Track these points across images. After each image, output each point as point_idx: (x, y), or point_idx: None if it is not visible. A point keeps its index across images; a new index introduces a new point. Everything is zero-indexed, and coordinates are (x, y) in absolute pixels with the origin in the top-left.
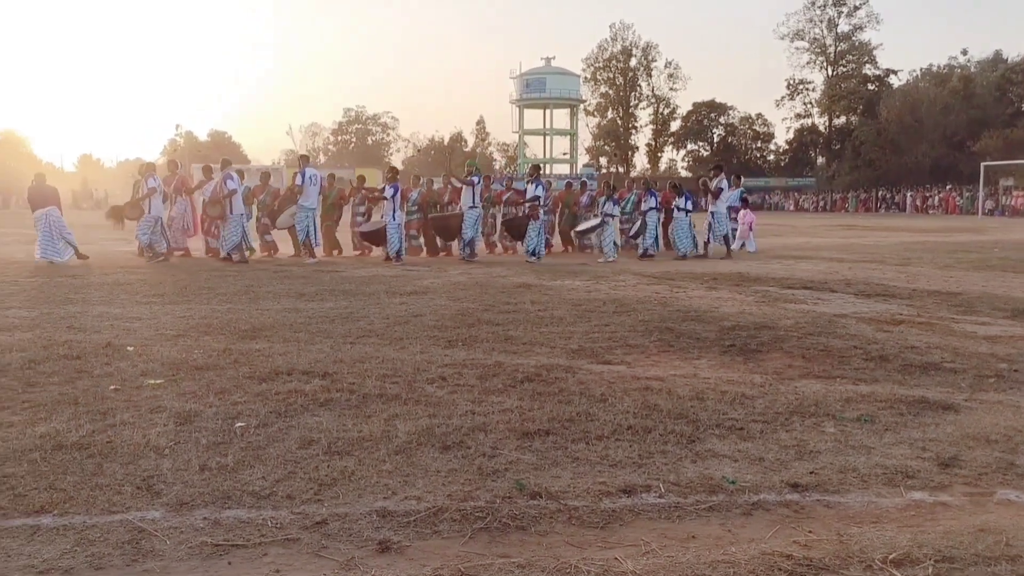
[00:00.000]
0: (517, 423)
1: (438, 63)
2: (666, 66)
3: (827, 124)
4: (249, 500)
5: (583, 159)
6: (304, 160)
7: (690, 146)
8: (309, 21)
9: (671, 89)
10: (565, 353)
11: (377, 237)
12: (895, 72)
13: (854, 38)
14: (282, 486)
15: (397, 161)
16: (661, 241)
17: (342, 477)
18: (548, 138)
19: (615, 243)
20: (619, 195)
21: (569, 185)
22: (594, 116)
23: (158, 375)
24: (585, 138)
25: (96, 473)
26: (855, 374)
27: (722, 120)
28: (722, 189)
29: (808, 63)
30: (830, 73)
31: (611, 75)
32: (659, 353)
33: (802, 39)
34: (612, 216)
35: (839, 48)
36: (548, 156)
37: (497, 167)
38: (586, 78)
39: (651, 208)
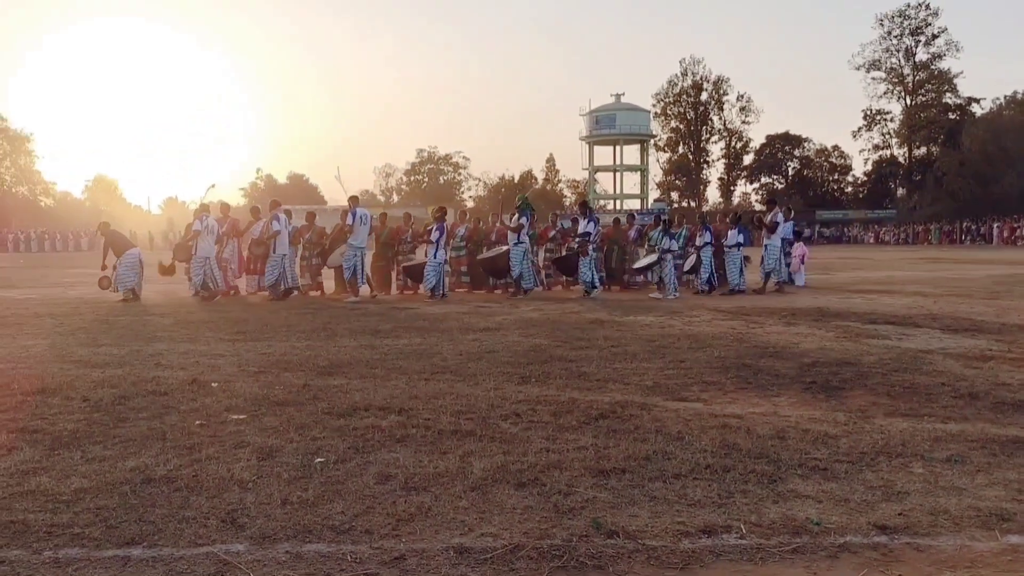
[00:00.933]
0: (592, 461)
1: (509, 102)
2: (738, 99)
3: (907, 155)
4: (329, 534)
5: (654, 194)
6: (354, 201)
7: (764, 179)
8: (382, 64)
9: (743, 122)
10: (640, 390)
11: (418, 272)
12: (977, 100)
13: (933, 67)
14: (361, 521)
15: (468, 200)
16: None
17: (419, 513)
18: (618, 174)
19: (675, 279)
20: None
21: (617, 222)
22: (665, 151)
23: (241, 410)
24: (656, 173)
25: (183, 506)
26: (943, 412)
27: (796, 153)
28: (777, 223)
29: (885, 93)
30: (909, 103)
31: (682, 110)
32: (737, 390)
33: (879, 69)
34: (670, 252)
35: (917, 77)
36: (618, 192)
37: (567, 204)
38: (656, 113)
39: (706, 244)
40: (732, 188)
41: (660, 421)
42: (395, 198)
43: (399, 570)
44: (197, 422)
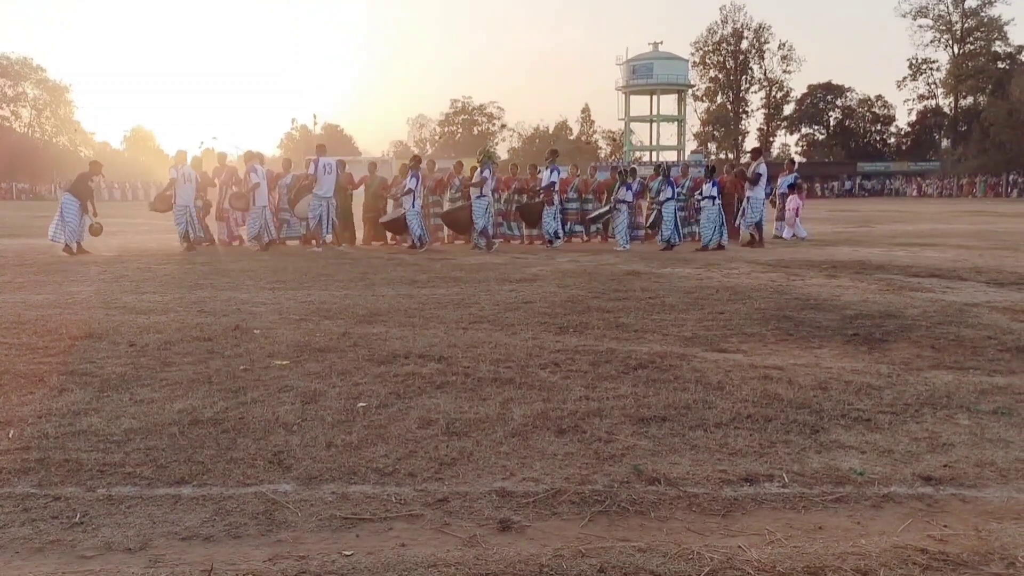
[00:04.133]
0: (632, 409)
1: (544, 51)
2: (779, 48)
3: (953, 105)
4: (374, 476)
5: (691, 145)
6: (321, 149)
7: (804, 130)
8: (417, 13)
9: (784, 72)
10: (678, 341)
11: (397, 226)
12: None
13: (982, 14)
14: (404, 464)
15: (503, 151)
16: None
17: (461, 457)
18: (655, 125)
19: (628, 231)
20: (676, 180)
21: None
22: (703, 101)
23: (284, 356)
24: (693, 124)
25: (231, 447)
26: (989, 365)
27: (839, 103)
28: (760, 175)
29: (932, 41)
30: (956, 52)
31: (721, 59)
32: (777, 342)
33: (926, 16)
34: (625, 202)
35: (966, 25)
36: (655, 143)
37: (602, 155)
38: (695, 63)
39: (668, 199)
40: (771, 139)
41: (700, 371)
42: (429, 149)
43: (443, 512)
44: (241, 367)
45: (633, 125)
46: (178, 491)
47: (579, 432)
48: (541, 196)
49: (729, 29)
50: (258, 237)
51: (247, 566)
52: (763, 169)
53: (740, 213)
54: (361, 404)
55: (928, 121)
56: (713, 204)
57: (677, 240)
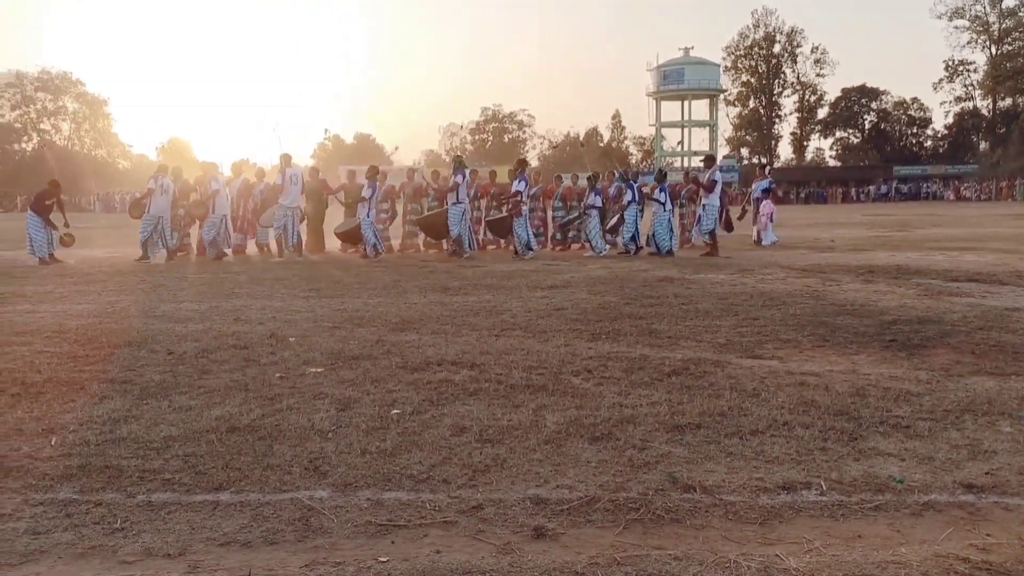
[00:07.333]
0: (666, 416)
1: (574, 58)
2: (812, 51)
3: (991, 107)
4: (408, 483)
5: (723, 150)
6: (286, 159)
7: (839, 134)
8: (447, 22)
9: (818, 75)
10: (712, 347)
11: (352, 236)
12: None
13: (1021, 13)
14: (438, 471)
15: (532, 158)
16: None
17: (495, 464)
18: (686, 130)
19: (601, 237)
20: (673, 188)
21: (559, 179)
22: (735, 106)
23: (318, 364)
24: (725, 129)
25: (267, 454)
26: None
27: (873, 106)
28: (715, 181)
29: (969, 43)
30: (994, 52)
31: (753, 63)
32: (813, 348)
33: (962, 17)
34: (594, 207)
35: (1004, 25)
36: (686, 148)
37: (633, 161)
38: (726, 67)
39: (630, 202)
40: (805, 143)
41: (735, 378)
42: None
43: (477, 519)
44: (277, 374)
45: (664, 131)
46: (216, 497)
47: (613, 439)
48: (508, 208)
49: (761, 33)
50: (212, 244)
51: (284, 572)
52: (718, 176)
53: (696, 220)
54: (395, 411)
55: (966, 123)
56: (665, 211)
57: (635, 246)
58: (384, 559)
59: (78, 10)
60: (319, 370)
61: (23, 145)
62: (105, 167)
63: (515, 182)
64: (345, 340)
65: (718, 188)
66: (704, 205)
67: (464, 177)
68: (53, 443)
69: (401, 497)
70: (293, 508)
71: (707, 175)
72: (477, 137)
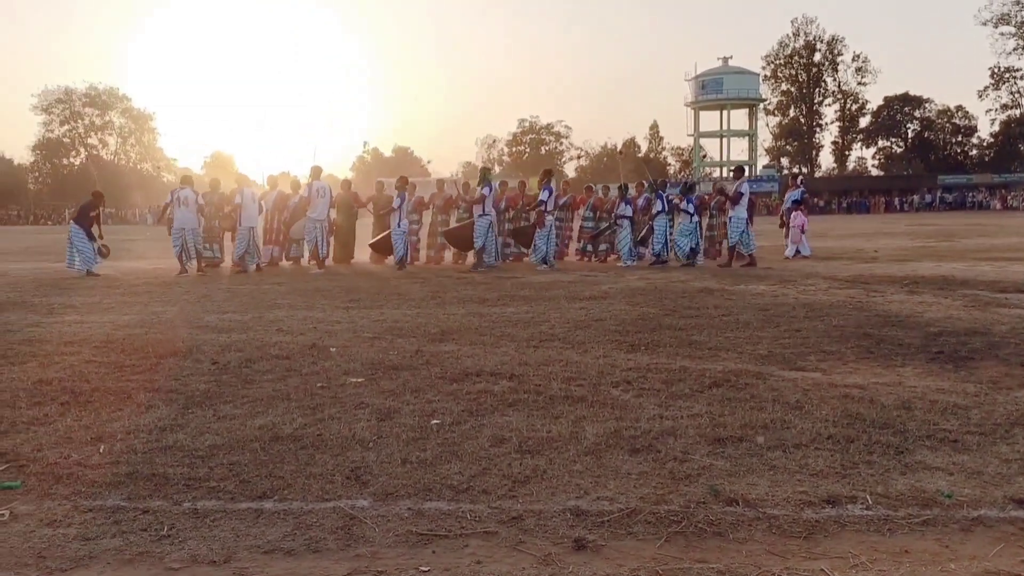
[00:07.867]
0: (708, 428)
1: (612, 69)
2: (853, 59)
3: None
4: (448, 493)
5: (763, 160)
6: (316, 172)
7: (881, 143)
8: (484, 35)
9: (859, 83)
10: (753, 359)
11: (384, 246)
12: None
13: None
14: (478, 481)
15: (570, 170)
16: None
17: (534, 475)
18: (725, 140)
19: (631, 248)
20: (700, 200)
21: (589, 189)
22: (775, 115)
23: (359, 374)
24: (765, 138)
25: (310, 463)
26: None
27: (917, 114)
28: (741, 194)
29: (1015, 49)
30: None
31: (793, 72)
32: (858, 360)
33: (1007, 24)
34: (626, 217)
35: None
36: (725, 158)
37: (672, 172)
38: (766, 76)
39: (659, 212)
40: (847, 153)
41: (777, 390)
42: (497, 169)
43: (518, 529)
44: (318, 384)
45: (703, 141)
46: (260, 505)
47: (653, 451)
48: (533, 218)
49: (801, 42)
50: (242, 259)
51: None
52: (745, 188)
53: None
54: (435, 421)
55: (1012, 131)
56: (691, 221)
57: (667, 255)
58: (425, 568)
59: (127, 25)
60: (360, 380)
61: (71, 159)
62: (151, 180)
63: (542, 192)
64: (385, 351)
65: (744, 200)
66: (730, 217)
67: (491, 190)
68: (101, 451)
69: (441, 507)
70: (335, 517)
71: (735, 187)
72: (514, 149)
